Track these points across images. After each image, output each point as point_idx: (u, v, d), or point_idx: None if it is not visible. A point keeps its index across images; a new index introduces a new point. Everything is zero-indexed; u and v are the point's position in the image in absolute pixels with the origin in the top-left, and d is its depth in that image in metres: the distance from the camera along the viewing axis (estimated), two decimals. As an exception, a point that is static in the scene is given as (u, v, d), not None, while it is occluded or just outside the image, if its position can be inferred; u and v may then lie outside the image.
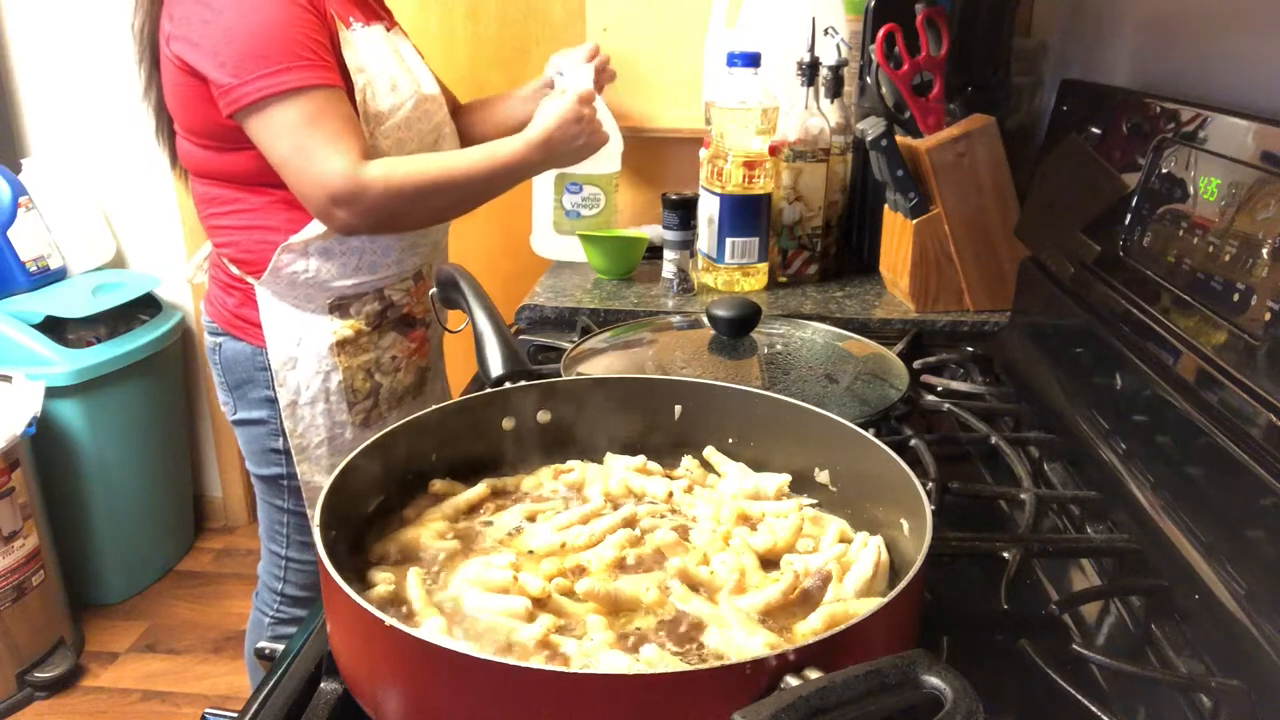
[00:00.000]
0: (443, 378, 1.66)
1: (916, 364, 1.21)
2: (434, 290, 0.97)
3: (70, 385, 2.28)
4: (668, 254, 1.60)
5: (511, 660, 0.56)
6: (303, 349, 1.40)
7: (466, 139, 1.58)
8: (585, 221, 1.74)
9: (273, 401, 1.43)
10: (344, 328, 1.41)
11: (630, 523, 0.72)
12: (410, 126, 1.36)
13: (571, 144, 1.38)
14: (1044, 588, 0.84)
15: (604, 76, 1.62)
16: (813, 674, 0.49)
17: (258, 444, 1.49)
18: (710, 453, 0.83)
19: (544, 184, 1.75)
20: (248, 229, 1.37)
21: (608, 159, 1.70)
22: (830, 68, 1.57)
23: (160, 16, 1.30)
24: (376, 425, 1.46)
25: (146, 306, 2.53)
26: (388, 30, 1.41)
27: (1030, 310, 1.26)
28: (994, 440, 1.00)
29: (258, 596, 1.63)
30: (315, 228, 1.34)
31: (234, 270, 1.40)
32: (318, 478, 1.46)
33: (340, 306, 1.40)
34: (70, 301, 2.35)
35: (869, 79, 1.54)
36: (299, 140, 1.24)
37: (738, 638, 0.60)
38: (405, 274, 1.45)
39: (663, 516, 0.75)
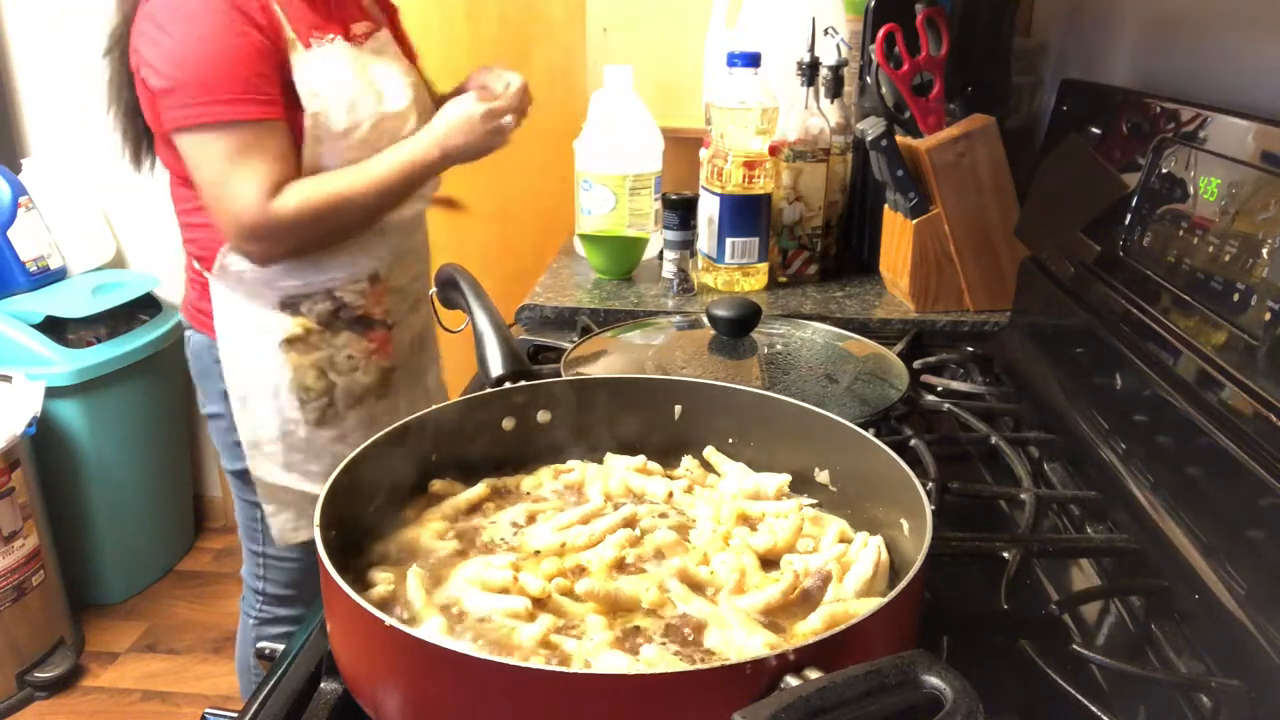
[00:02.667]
0: (433, 373, 1.65)
1: (916, 364, 1.21)
2: (434, 290, 0.97)
3: (70, 385, 2.28)
4: (668, 254, 1.60)
5: (511, 660, 0.56)
6: (251, 344, 1.41)
7: None
8: (597, 220, 1.74)
9: (227, 395, 1.45)
10: (294, 325, 1.41)
11: (630, 523, 0.72)
12: (366, 145, 1.35)
13: (461, 139, 1.37)
14: (1044, 588, 0.84)
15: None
16: (813, 674, 0.49)
17: (221, 437, 1.51)
18: (710, 453, 0.83)
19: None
20: (205, 225, 1.38)
21: (626, 160, 1.70)
22: (830, 68, 1.57)
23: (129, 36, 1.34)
24: (334, 424, 1.47)
25: (146, 306, 2.53)
26: (367, 38, 1.39)
27: (1030, 310, 1.26)
28: (994, 440, 1.00)
29: (244, 600, 1.63)
30: None
31: (196, 265, 1.44)
32: (273, 474, 1.47)
33: (290, 304, 1.41)
34: (70, 301, 2.35)
35: (869, 79, 1.55)
36: (219, 170, 1.27)
37: (738, 638, 0.60)
38: (358, 276, 1.44)
39: (663, 516, 0.75)
